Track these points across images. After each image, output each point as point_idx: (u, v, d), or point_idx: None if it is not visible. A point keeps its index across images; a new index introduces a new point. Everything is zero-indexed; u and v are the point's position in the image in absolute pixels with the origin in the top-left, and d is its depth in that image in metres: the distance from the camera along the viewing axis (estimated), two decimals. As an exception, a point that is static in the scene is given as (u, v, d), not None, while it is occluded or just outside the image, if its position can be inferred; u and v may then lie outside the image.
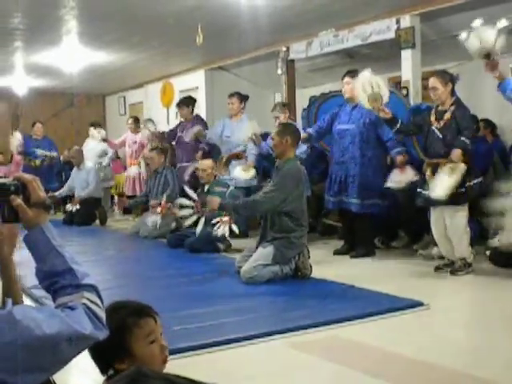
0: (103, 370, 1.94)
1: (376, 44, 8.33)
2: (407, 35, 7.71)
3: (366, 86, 5.89)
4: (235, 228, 6.56)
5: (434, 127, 5.70)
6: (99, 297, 1.65)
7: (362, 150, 6.58)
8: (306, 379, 3.24)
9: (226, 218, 6.46)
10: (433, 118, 5.76)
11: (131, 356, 1.91)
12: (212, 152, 8.93)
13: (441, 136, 5.63)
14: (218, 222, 6.55)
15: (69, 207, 10.33)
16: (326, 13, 7.96)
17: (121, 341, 1.88)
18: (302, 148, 7.25)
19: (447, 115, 5.63)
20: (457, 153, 5.43)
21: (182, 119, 9.53)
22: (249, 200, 5.86)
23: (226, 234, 6.61)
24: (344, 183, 6.65)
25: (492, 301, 4.81)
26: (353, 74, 6.66)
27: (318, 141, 7.32)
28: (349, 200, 6.60)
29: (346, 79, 6.70)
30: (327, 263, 6.31)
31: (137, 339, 1.93)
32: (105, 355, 1.84)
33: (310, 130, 7.04)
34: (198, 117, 9.52)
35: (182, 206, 6.84)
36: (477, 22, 5.23)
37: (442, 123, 5.66)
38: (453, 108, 5.62)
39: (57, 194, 10.54)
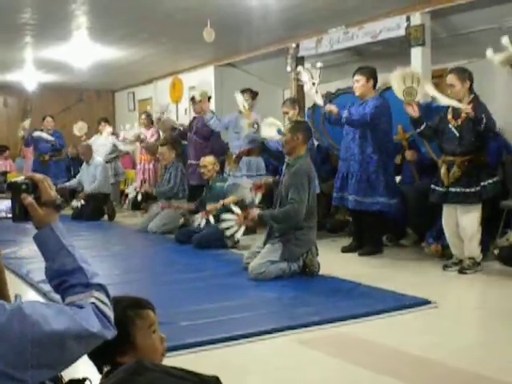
0: (100, 367, 1.94)
1: (386, 41, 8.31)
2: (417, 33, 7.68)
3: (407, 79, 5.74)
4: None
5: (450, 125, 5.65)
6: (107, 296, 1.66)
7: (361, 147, 6.55)
8: (312, 376, 3.24)
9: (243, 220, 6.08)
10: (450, 116, 5.66)
11: (134, 348, 1.92)
12: (214, 148, 8.93)
13: (457, 134, 5.56)
14: (233, 220, 6.20)
15: (75, 203, 10.34)
16: (336, 10, 7.95)
17: (124, 333, 1.87)
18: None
19: (464, 113, 5.56)
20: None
21: (196, 114, 9.47)
22: (283, 211, 5.51)
23: (238, 236, 6.28)
24: (345, 180, 6.65)
25: (500, 299, 4.80)
26: (362, 71, 6.63)
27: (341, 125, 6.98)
28: (347, 197, 6.61)
29: (356, 77, 6.64)
30: (335, 261, 6.30)
31: (139, 330, 1.94)
32: (107, 348, 1.83)
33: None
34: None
35: (223, 220, 6.50)
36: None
37: (459, 121, 5.58)
38: (470, 106, 5.55)
39: (67, 184, 10.58)
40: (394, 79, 5.81)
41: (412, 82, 5.73)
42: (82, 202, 10.23)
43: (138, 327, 1.94)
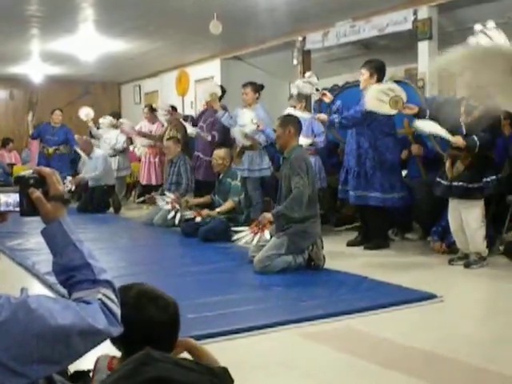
0: None
1: (393, 35, 8.29)
2: (424, 26, 7.67)
3: (381, 96, 5.82)
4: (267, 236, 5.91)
5: (460, 120, 5.60)
6: (115, 293, 1.64)
7: (358, 142, 6.55)
8: (317, 369, 3.24)
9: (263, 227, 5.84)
10: (462, 109, 5.56)
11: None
12: (225, 141, 8.85)
13: (465, 132, 5.50)
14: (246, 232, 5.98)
15: (68, 185, 10.21)
16: (343, 3, 7.93)
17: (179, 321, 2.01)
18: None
19: (476, 113, 5.45)
20: (457, 139, 5.45)
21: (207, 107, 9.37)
22: (290, 199, 5.48)
23: (253, 242, 5.85)
24: (363, 176, 6.61)
25: (506, 294, 4.79)
26: (367, 65, 6.61)
27: None
28: (349, 191, 6.66)
29: (362, 70, 6.61)
30: (340, 254, 6.30)
31: None
32: (166, 343, 1.88)
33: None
34: (223, 107, 9.31)
35: (237, 236, 6.03)
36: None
37: (469, 119, 5.52)
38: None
39: (85, 178, 10.52)
40: (374, 102, 5.91)
41: (387, 94, 5.82)
42: (73, 187, 10.23)
43: None
